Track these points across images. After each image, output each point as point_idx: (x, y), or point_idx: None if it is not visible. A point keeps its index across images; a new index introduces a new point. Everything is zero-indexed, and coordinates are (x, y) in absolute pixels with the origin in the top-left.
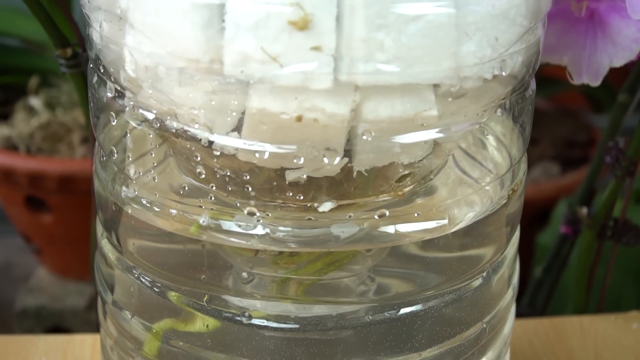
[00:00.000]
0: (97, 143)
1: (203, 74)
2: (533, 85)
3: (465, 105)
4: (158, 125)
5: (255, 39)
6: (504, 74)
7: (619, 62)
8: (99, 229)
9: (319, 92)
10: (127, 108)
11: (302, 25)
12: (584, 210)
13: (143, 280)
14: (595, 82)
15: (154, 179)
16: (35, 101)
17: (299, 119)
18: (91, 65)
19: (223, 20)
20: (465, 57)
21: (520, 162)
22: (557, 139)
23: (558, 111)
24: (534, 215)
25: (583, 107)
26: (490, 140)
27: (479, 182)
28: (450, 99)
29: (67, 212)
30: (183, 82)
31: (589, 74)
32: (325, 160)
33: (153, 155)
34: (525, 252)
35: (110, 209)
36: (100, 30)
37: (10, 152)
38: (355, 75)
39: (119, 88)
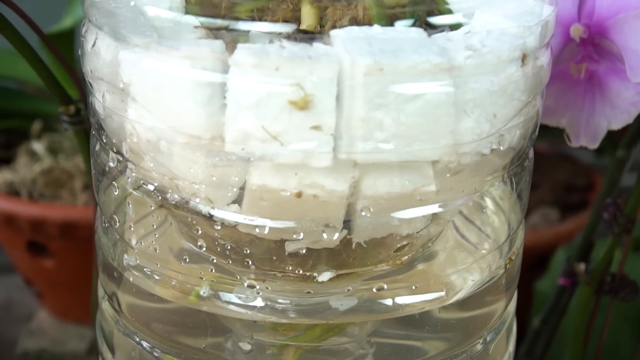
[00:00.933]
0: (98, 207)
1: (204, 150)
2: (531, 153)
3: (464, 180)
4: (159, 197)
5: (256, 117)
6: (502, 148)
7: (617, 125)
8: (101, 290)
9: (319, 169)
10: (129, 179)
11: (303, 105)
12: (582, 267)
13: (144, 345)
14: (593, 145)
15: (155, 249)
16: (38, 146)
17: (299, 195)
18: (93, 132)
19: (224, 97)
20: (464, 134)
21: (518, 230)
22: (556, 183)
23: (557, 155)
24: (532, 262)
25: (581, 149)
26: (489, 204)
27: (477, 248)
28: (448, 175)
29: (68, 257)
30: (184, 157)
31: (587, 136)
32: (325, 235)
33: (154, 220)
34: (524, 299)
35: (111, 273)
36: (102, 101)
37: (12, 198)
38: (354, 153)
39: (121, 159)
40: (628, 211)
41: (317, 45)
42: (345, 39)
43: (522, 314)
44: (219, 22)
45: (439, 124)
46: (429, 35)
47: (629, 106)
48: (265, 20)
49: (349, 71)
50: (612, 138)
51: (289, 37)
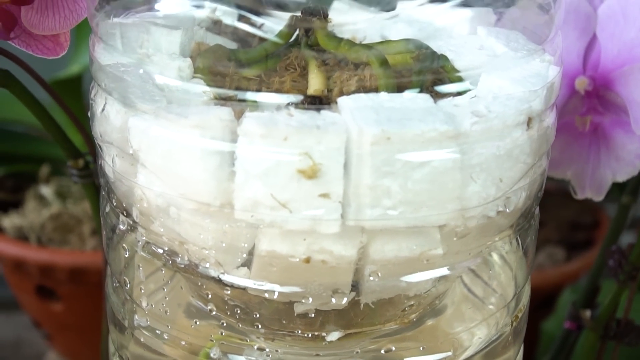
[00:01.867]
0: (108, 266)
1: (214, 217)
2: (537, 210)
3: (470, 242)
4: (169, 261)
5: (265, 186)
6: (507, 210)
7: (622, 177)
8: (111, 346)
9: (327, 235)
10: (139, 242)
11: (311, 174)
12: (587, 313)
13: None
14: (599, 197)
15: (165, 311)
16: (46, 190)
17: (308, 260)
18: (103, 193)
19: (233, 165)
20: (470, 199)
21: (524, 288)
22: (562, 222)
23: (562, 193)
24: (538, 302)
25: None
26: (495, 258)
27: (484, 302)
28: (455, 238)
29: (77, 301)
30: (194, 223)
31: (592, 188)
32: (333, 300)
33: (164, 283)
34: (530, 338)
35: (121, 329)
36: (112, 165)
37: (21, 243)
38: (362, 220)
39: (131, 222)
40: (633, 259)
41: (325, 114)
42: (353, 108)
43: (529, 353)
44: (227, 92)
45: (445, 189)
46: (436, 100)
47: (634, 158)
48: (273, 83)
49: (356, 140)
50: None
51: (296, 104)
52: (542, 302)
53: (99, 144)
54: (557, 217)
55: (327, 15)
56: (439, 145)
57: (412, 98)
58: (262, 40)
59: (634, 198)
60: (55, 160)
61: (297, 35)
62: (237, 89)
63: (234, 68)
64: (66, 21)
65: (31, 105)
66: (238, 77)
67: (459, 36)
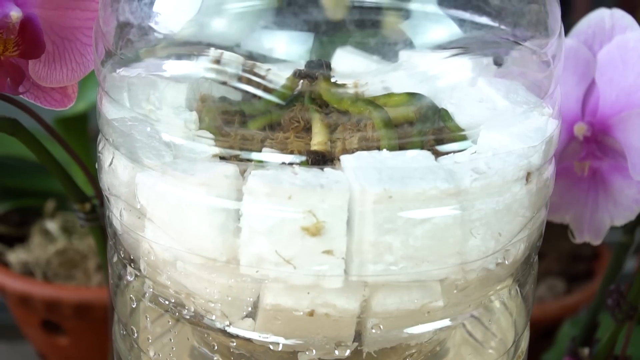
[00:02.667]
0: (115, 313)
1: (220, 272)
2: (535, 258)
3: (470, 294)
4: (176, 313)
5: (269, 242)
6: (507, 262)
7: (619, 222)
8: None
9: (331, 290)
10: (146, 293)
11: (315, 231)
12: (586, 351)
13: None
14: (597, 241)
15: None
16: (52, 225)
17: (311, 314)
18: (111, 243)
19: (239, 220)
20: (470, 253)
21: (524, 333)
22: (562, 253)
23: (562, 225)
24: (539, 334)
25: None
26: (495, 303)
27: (483, 346)
28: (455, 291)
29: (83, 336)
30: (200, 277)
31: (590, 232)
32: (337, 352)
33: (171, 334)
34: None
35: None
36: (120, 218)
37: (27, 279)
38: (365, 275)
39: (138, 273)
40: (631, 298)
41: (329, 172)
42: (356, 166)
43: None
44: (232, 152)
45: (446, 245)
46: (437, 157)
47: (632, 203)
48: (278, 138)
49: (359, 199)
50: None
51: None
52: (542, 334)
53: (106, 196)
54: (557, 249)
55: (330, 69)
56: (440, 202)
57: (414, 156)
58: (266, 91)
59: (632, 237)
60: (61, 195)
61: (301, 87)
62: (242, 143)
63: (238, 121)
64: (74, 74)
65: (39, 152)
66: (242, 132)
67: (459, 87)
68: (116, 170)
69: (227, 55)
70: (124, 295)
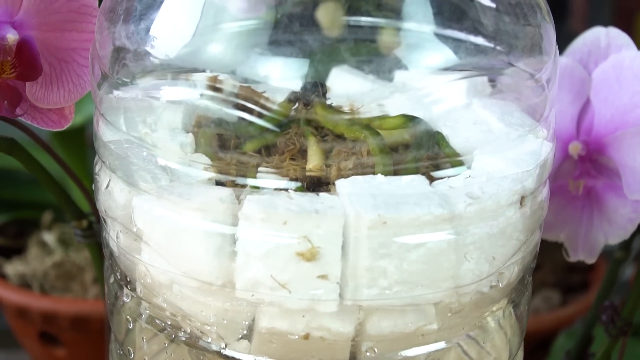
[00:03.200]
0: (112, 332)
1: (215, 295)
2: (530, 279)
3: (464, 316)
4: (172, 335)
5: (265, 267)
6: (500, 285)
7: (614, 240)
8: None
9: (326, 313)
10: (143, 315)
11: (310, 257)
12: None
13: None
14: (591, 259)
15: None
16: (49, 237)
17: (306, 337)
18: (107, 264)
19: (235, 244)
20: (464, 277)
21: (517, 354)
22: (558, 264)
23: None
24: (534, 346)
25: None
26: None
27: None
28: (449, 314)
29: (80, 348)
30: (196, 300)
31: (584, 250)
32: None
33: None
34: None
35: None
36: (116, 240)
37: (24, 291)
38: (359, 300)
39: (134, 295)
40: (625, 315)
41: (324, 197)
42: (350, 192)
43: None
44: (228, 178)
45: (440, 269)
46: (431, 181)
47: (626, 222)
48: (273, 161)
49: (354, 225)
50: None
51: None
52: (537, 345)
53: (103, 217)
54: (552, 260)
55: (326, 92)
56: (434, 227)
57: (409, 182)
58: (260, 117)
59: (627, 253)
60: (58, 207)
61: (296, 110)
62: (238, 166)
63: (234, 144)
64: (70, 95)
65: (37, 171)
66: (238, 154)
67: (454, 108)
68: (113, 193)
69: (221, 79)
70: (121, 316)
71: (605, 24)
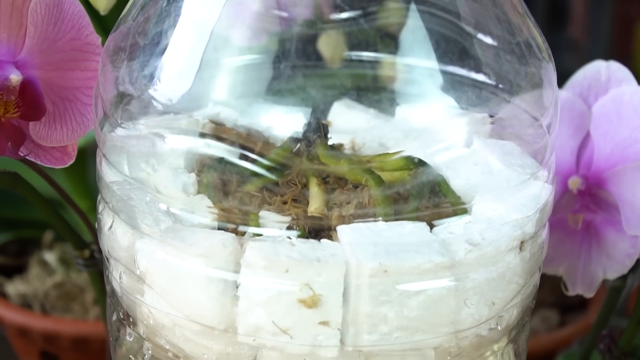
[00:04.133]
0: None
1: (217, 339)
2: (528, 319)
3: (464, 358)
4: None
5: (266, 313)
6: (499, 328)
7: (612, 275)
8: None
9: (326, 358)
10: (145, 355)
11: (311, 304)
12: None
13: None
14: (589, 293)
15: None
16: (50, 256)
17: None
18: (109, 301)
19: (237, 289)
20: (463, 322)
21: None
22: (556, 284)
23: None
24: None
25: None
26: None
27: None
28: (448, 357)
29: None
30: (198, 343)
31: (583, 284)
32: None
33: None
34: None
35: None
36: (119, 280)
37: (25, 311)
38: (360, 345)
39: (137, 335)
40: (622, 344)
41: (325, 244)
42: (352, 239)
43: None
44: (230, 218)
45: (439, 315)
46: (432, 226)
47: (624, 257)
48: (275, 202)
49: (355, 273)
50: None
51: (298, 225)
52: None
53: (106, 257)
54: (551, 280)
55: (327, 132)
56: (434, 275)
57: (409, 228)
58: (260, 159)
59: (625, 282)
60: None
61: (299, 149)
62: (241, 207)
63: (236, 183)
64: (74, 133)
65: (39, 204)
66: (240, 195)
67: (455, 147)
68: (116, 235)
69: (222, 123)
70: (123, 354)
71: (606, 31)
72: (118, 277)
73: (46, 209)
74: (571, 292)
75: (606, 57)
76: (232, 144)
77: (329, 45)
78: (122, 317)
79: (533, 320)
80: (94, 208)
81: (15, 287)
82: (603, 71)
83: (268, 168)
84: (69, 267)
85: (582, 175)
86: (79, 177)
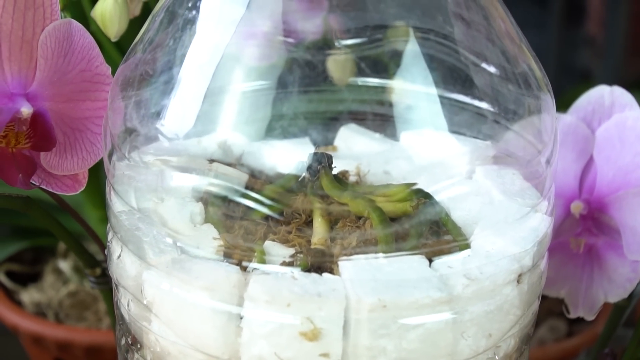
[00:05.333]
0: None
1: None
2: (526, 347)
3: None
4: None
5: (269, 345)
6: (497, 357)
7: (613, 299)
8: None
9: None
10: None
11: (312, 337)
12: None
13: None
14: (590, 316)
15: None
16: (64, 265)
17: None
18: (119, 325)
19: (241, 320)
20: (461, 353)
21: None
22: None
23: None
24: None
25: None
26: None
27: None
28: None
29: None
30: None
31: (584, 307)
32: None
33: None
34: None
35: None
36: (127, 308)
37: (39, 320)
38: None
39: None
40: None
41: (327, 278)
42: (352, 275)
43: None
44: (235, 248)
45: (437, 347)
46: (431, 260)
47: (625, 282)
48: (280, 232)
49: (355, 307)
50: None
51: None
52: None
53: (115, 284)
54: None
55: (332, 162)
56: (432, 309)
57: (409, 263)
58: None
59: (629, 301)
60: (75, 235)
61: (303, 180)
62: (246, 236)
63: (242, 212)
64: (84, 162)
65: (51, 225)
66: (247, 223)
67: (458, 178)
68: (124, 264)
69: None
70: None
71: (622, 27)
72: (126, 305)
73: (58, 230)
74: (573, 315)
75: (622, 54)
76: (235, 196)
77: (337, 66)
78: (130, 342)
79: (541, 329)
80: (106, 218)
81: (30, 296)
82: (607, 96)
83: (270, 206)
84: (83, 276)
85: (584, 199)
86: (92, 186)
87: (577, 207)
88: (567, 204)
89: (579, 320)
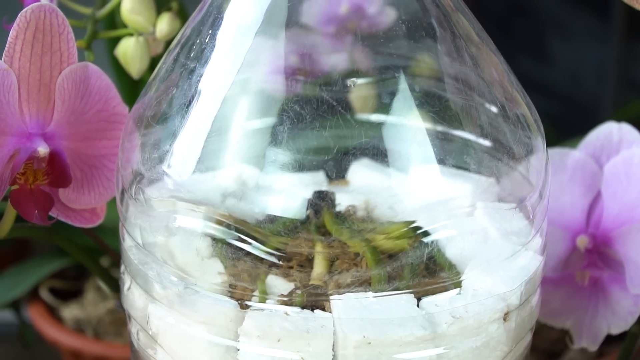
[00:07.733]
0: None
1: None
2: None
3: None
4: None
5: None
6: None
7: (616, 330)
8: None
9: None
10: None
11: None
12: None
13: None
14: (594, 347)
15: None
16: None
17: None
18: (132, 352)
19: (237, 352)
20: None
21: None
22: None
23: None
24: None
25: None
26: None
27: None
28: None
29: None
30: None
31: (588, 338)
32: None
33: None
34: None
35: None
36: (137, 337)
37: (78, 335)
38: None
39: None
40: None
41: (318, 315)
42: (341, 313)
43: None
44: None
45: None
46: (420, 298)
47: (627, 314)
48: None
49: (341, 344)
50: None
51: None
52: None
53: (128, 312)
54: None
55: (334, 201)
56: (416, 347)
57: (396, 302)
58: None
59: None
60: (115, 252)
61: (307, 216)
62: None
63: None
64: (101, 197)
65: (77, 252)
66: (252, 257)
67: (458, 214)
68: (133, 295)
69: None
70: None
71: None
72: (135, 334)
73: (83, 257)
74: (576, 345)
75: None
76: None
77: (360, 96)
78: None
79: (572, 350)
80: None
81: (70, 312)
82: (615, 132)
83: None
84: None
85: (590, 233)
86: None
87: (582, 242)
88: (573, 238)
89: (610, 340)
